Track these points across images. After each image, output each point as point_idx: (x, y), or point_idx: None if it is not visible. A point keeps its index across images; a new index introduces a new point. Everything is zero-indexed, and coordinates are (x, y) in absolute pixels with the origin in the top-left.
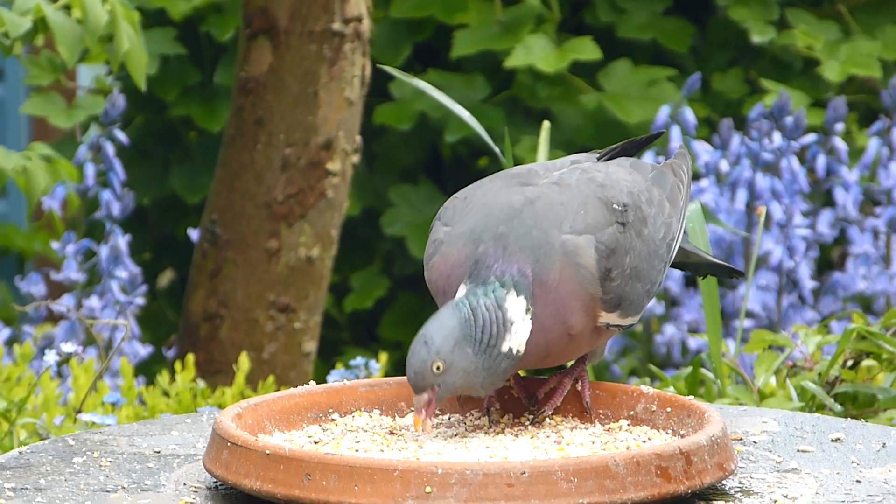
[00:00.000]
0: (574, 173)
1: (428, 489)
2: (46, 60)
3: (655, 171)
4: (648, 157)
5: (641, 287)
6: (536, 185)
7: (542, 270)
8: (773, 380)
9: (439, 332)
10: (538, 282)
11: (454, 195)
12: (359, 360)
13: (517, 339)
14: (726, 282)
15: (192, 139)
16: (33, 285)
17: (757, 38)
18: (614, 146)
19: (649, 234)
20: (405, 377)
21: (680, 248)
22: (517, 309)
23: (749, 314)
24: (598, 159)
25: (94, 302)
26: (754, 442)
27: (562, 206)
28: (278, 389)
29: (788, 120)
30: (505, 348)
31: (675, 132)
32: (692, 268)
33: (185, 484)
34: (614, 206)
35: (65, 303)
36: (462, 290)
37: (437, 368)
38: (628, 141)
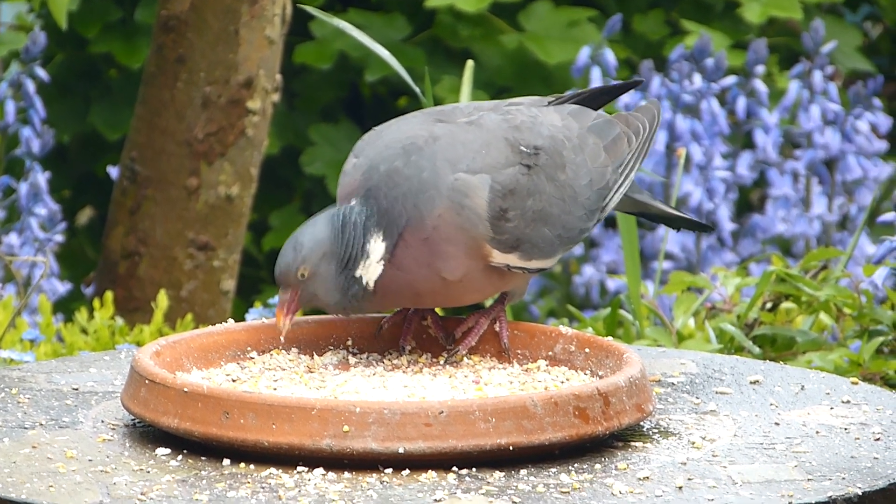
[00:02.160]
0: (494, 114)
1: (346, 428)
2: None
3: (600, 120)
4: None
5: (550, 231)
6: (451, 122)
7: (417, 216)
8: (691, 321)
9: (310, 241)
10: (411, 228)
11: (373, 128)
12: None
13: (369, 273)
14: (645, 223)
15: (113, 76)
16: None
17: None
18: (581, 91)
19: (567, 179)
20: (323, 316)
21: (633, 198)
22: (376, 250)
23: (668, 256)
24: (550, 103)
25: (13, 239)
26: (672, 384)
27: (463, 145)
28: (197, 327)
29: (709, 62)
30: (358, 274)
31: (596, 73)
32: (655, 219)
33: (102, 421)
34: (522, 147)
35: None
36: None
37: (302, 275)
38: (598, 88)
